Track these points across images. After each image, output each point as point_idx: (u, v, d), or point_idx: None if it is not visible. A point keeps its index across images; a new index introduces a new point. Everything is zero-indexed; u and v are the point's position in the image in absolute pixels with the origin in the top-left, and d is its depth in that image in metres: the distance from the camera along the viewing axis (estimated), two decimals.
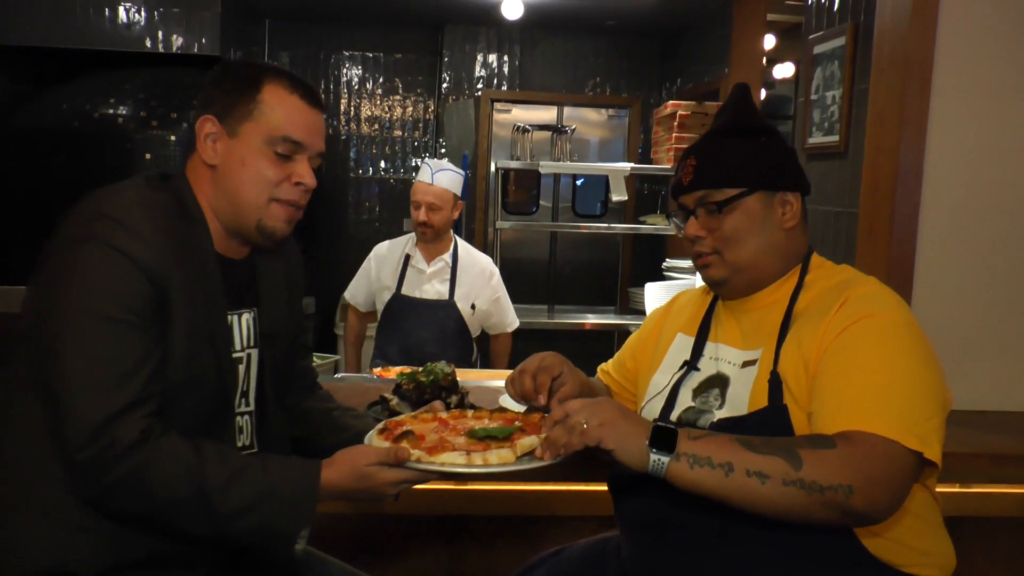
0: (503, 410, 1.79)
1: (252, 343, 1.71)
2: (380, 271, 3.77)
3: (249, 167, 1.59)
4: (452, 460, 1.50)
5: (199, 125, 1.60)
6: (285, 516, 1.49)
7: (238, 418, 1.69)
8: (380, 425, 1.66)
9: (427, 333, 3.67)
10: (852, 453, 1.39)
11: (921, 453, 1.42)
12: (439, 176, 3.68)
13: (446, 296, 3.71)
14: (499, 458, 1.50)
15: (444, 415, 1.74)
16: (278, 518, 1.49)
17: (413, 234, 3.80)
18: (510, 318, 3.93)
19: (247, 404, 1.72)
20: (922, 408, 1.46)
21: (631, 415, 1.48)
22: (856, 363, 1.49)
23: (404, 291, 3.70)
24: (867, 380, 1.47)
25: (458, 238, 3.85)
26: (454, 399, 2.27)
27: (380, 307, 3.75)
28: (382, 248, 3.84)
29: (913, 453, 1.42)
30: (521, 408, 1.79)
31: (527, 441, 1.54)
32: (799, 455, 1.38)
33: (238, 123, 1.59)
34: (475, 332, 3.81)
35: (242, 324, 1.69)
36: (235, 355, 1.66)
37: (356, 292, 3.88)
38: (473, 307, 3.75)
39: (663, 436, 1.41)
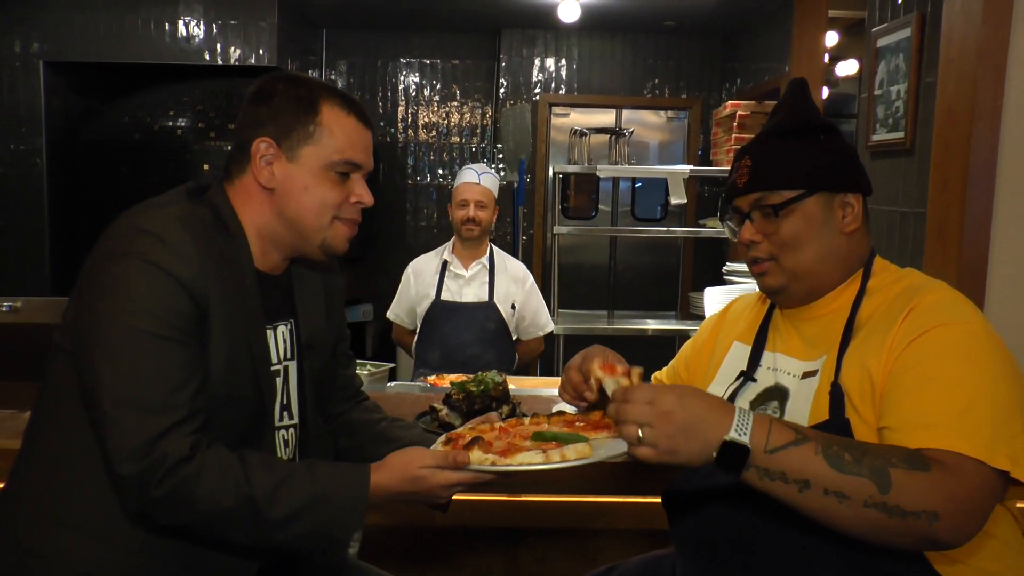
0: (560, 414, 1.74)
1: (289, 355, 1.69)
2: (419, 282, 3.83)
3: (312, 193, 1.58)
4: (530, 459, 1.46)
5: (255, 147, 1.57)
6: (335, 521, 1.47)
7: (282, 432, 1.68)
8: (443, 437, 1.62)
9: (468, 335, 3.71)
10: (943, 477, 1.29)
11: (1008, 472, 1.32)
12: (484, 177, 3.80)
13: (486, 298, 3.77)
14: (576, 452, 1.47)
15: (502, 423, 1.70)
16: (328, 523, 1.47)
17: (451, 242, 3.88)
18: (544, 319, 3.95)
19: (290, 417, 1.70)
20: (1009, 423, 1.35)
21: (699, 421, 1.32)
22: (933, 376, 1.39)
23: (444, 297, 3.77)
24: (948, 395, 1.37)
25: (492, 244, 3.92)
26: (505, 409, 2.22)
27: (420, 317, 3.80)
28: (419, 261, 3.92)
29: (1000, 473, 1.32)
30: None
31: (599, 435, 1.55)
32: (890, 477, 1.28)
33: (297, 146, 1.57)
34: (515, 334, 3.86)
35: (277, 336, 1.67)
36: (272, 368, 1.64)
37: (399, 311, 3.93)
38: (513, 307, 3.80)
39: (732, 456, 1.31)
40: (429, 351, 3.73)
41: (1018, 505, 1.54)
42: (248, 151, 1.58)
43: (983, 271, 2.42)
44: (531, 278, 3.92)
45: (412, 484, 1.49)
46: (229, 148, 1.67)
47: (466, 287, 3.77)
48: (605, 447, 1.50)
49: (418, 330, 3.80)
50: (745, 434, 1.31)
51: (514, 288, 3.83)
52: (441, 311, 3.74)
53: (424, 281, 3.80)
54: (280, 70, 1.54)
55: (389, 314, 3.97)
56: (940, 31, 2.64)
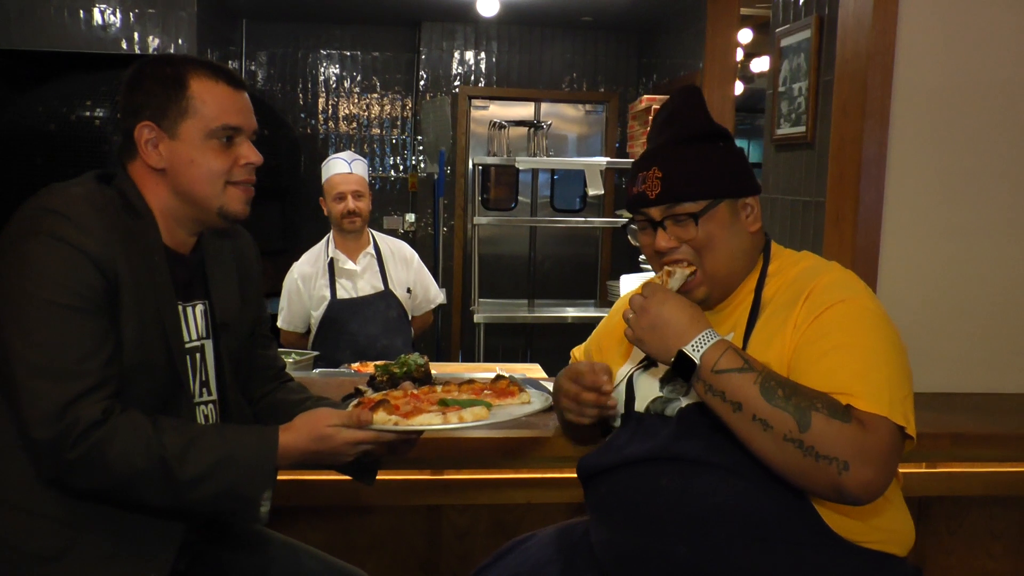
0: (471, 382, 1.85)
1: (205, 334, 1.76)
2: (309, 286, 3.70)
3: (199, 164, 1.64)
4: (429, 420, 1.60)
5: (137, 132, 1.63)
6: (245, 480, 1.53)
7: (201, 407, 1.73)
8: (355, 401, 1.72)
9: (374, 328, 3.65)
10: (859, 431, 1.43)
11: (903, 429, 1.48)
12: (356, 165, 3.67)
13: (381, 287, 3.71)
14: (473, 415, 1.62)
15: (415, 391, 1.80)
16: (238, 483, 1.53)
17: (329, 238, 3.76)
18: (434, 292, 3.96)
19: (209, 393, 1.76)
20: (901, 386, 1.52)
21: (665, 326, 1.58)
22: (839, 345, 1.53)
23: (340, 295, 3.66)
24: (853, 361, 1.51)
25: (371, 230, 3.83)
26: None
27: (316, 320, 3.68)
28: (303, 264, 3.76)
29: (899, 429, 1.48)
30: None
31: (503, 402, 1.72)
32: (811, 418, 1.43)
33: (175, 123, 1.62)
34: (411, 313, 3.83)
35: (195, 315, 1.73)
36: (188, 345, 1.70)
37: (291, 317, 3.76)
38: (409, 291, 3.77)
39: (684, 366, 1.54)
40: (338, 351, 3.62)
41: (905, 470, 1.70)
42: (133, 138, 1.63)
43: (875, 255, 2.59)
44: (416, 256, 3.89)
45: (319, 443, 1.57)
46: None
47: (360, 280, 3.69)
48: (504, 412, 1.67)
49: (315, 332, 3.68)
50: (698, 352, 1.53)
51: (405, 272, 3.79)
52: (341, 310, 3.65)
53: (315, 283, 3.68)
54: (136, 61, 1.58)
55: (280, 323, 3.77)
56: (837, 33, 2.81)
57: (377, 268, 3.72)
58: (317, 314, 3.67)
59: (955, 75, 2.59)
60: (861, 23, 2.59)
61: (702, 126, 1.74)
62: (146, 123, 1.62)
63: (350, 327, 3.64)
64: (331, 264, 3.68)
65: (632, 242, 1.82)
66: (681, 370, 1.55)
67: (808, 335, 1.57)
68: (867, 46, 2.55)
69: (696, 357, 1.53)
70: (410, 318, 3.82)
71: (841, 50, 2.72)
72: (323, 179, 3.71)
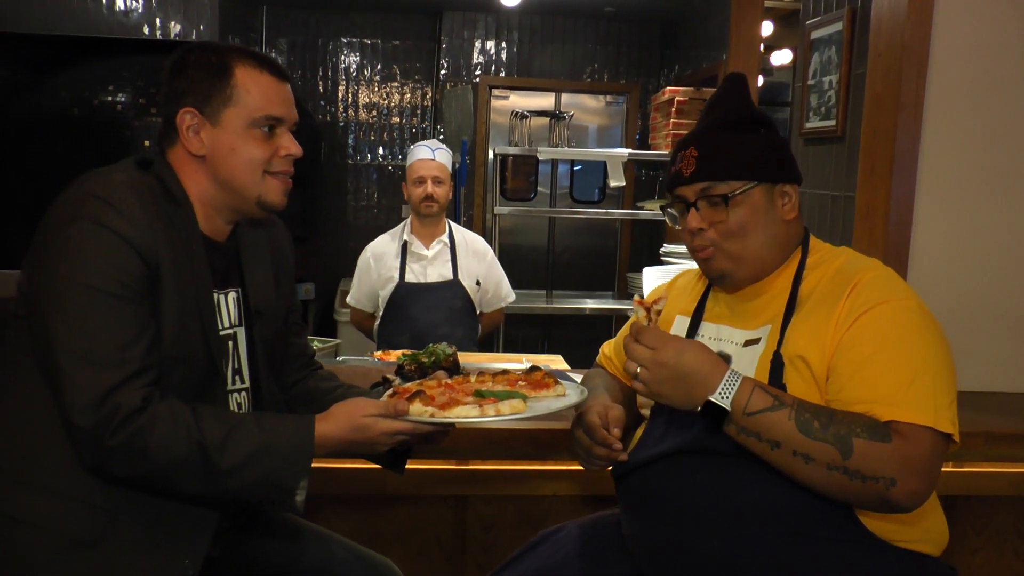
0: (505, 373, 1.84)
1: (238, 322, 1.76)
2: (380, 266, 3.78)
3: (240, 152, 1.64)
4: (466, 412, 1.58)
5: (179, 119, 1.63)
6: (282, 469, 1.53)
7: (235, 395, 1.74)
8: (390, 391, 1.71)
9: (436, 315, 3.71)
10: (902, 447, 1.42)
11: (950, 435, 1.47)
12: (439, 153, 3.76)
13: (450, 276, 3.76)
14: (511, 408, 1.59)
15: (449, 381, 1.79)
16: (275, 471, 1.53)
17: (407, 222, 3.84)
18: (505, 290, 3.99)
19: (242, 381, 1.76)
20: (947, 391, 1.50)
21: (688, 378, 1.50)
22: (882, 350, 1.51)
23: (408, 278, 3.73)
24: (897, 368, 1.49)
25: (449, 221, 3.91)
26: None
27: (383, 300, 3.76)
28: (378, 244, 3.86)
29: (945, 437, 1.46)
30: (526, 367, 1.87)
31: (538, 394, 1.69)
32: (852, 445, 1.42)
33: (218, 111, 1.63)
34: (479, 308, 3.87)
35: (228, 302, 1.73)
36: (222, 333, 1.70)
37: (359, 295, 3.88)
38: (478, 283, 3.81)
39: (714, 413, 1.49)
40: (397, 335, 3.68)
41: None
42: (175, 124, 1.63)
43: (906, 251, 2.57)
44: (491, 251, 3.94)
45: (356, 432, 1.57)
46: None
47: (429, 267, 3.74)
48: (541, 405, 1.65)
49: (382, 313, 3.76)
50: (727, 398, 1.48)
51: (476, 263, 3.83)
52: (407, 293, 3.71)
53: (386, 264, 3.76)
54: (179, 47, 1.58)
55: (349, 299, 3.90)
56: (869, 26, 2.78)
57: (449, 257, 3.78)
58: (383, 294, 3.74)
59: (991, 67, 2.56)
60: (896, 15, 2.56)
61: (742, 111, 1.73)
62: (188, 109, 1.62)
63: (411, 311, 3.70)
64: (404, 247, 3.76)
65: (669, 224, 1.81)
66: (710, 416, 1.50)
67: (850, 337, 1.54)
68: (902, 38, 2.52)
69: (726, 404, 1.49)
70: (478, 312, 3.86)
71: (875, 42, 2.70)
72: (407, 164, 3.81)
